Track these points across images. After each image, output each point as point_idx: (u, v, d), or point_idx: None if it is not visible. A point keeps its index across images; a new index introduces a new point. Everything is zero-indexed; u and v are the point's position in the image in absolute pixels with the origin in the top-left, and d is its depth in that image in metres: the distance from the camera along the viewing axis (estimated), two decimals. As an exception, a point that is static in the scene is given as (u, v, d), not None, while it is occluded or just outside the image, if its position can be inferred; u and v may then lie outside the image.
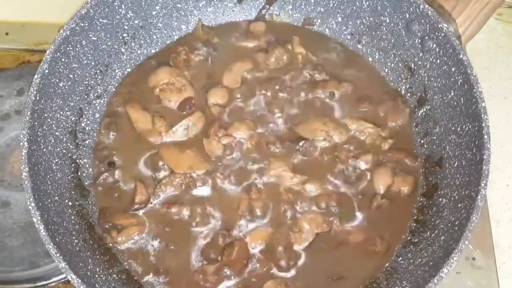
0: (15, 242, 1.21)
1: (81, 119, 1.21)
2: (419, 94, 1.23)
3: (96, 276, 1.06)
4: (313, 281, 1.11)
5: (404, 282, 1.07)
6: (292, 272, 1.11)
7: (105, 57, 1.24)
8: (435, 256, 1.04)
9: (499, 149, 1.38)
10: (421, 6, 1.13)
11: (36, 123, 1.07)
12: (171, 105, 1.24)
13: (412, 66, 1.23)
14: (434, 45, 1.15)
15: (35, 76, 1.07)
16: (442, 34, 1.12)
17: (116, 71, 1.27)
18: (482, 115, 1.04)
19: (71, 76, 1.17)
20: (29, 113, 1.05)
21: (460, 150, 1.11)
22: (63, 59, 1.13)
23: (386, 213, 1.16)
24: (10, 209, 1.24)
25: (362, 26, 1.29)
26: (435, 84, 1.18)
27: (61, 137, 1.16)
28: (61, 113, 1.16)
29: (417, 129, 1.23)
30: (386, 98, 1.26)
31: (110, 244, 1.13)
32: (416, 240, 1.13)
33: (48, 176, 1.09)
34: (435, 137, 1.19)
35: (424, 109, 1.22)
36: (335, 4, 1.30)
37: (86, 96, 1.22)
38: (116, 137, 1.23)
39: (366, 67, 1.31)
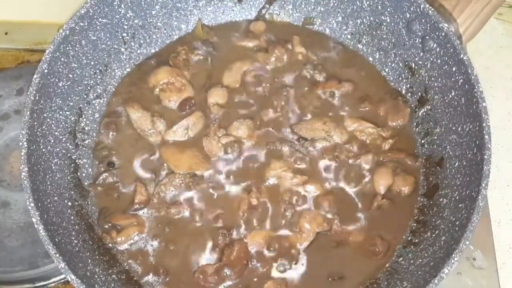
0: (14, 242, 1.20)
1: (80, 119, 1.21)
2: (419, 94, 1.23)
3: (96, 276, 1.06)
4: (313, 281, 1.11)
5: (404, 282, 1.07)
6: (292, 272, 1.11)
7: (104, 57, 1.24)
8: (435, 257, 1.04)
9: (500, 149, 1.38)
10: (422, 6, 1.13)
11: (35, 123, 1.07)
12: (171, 105, 1.24)
13: (413, 65, 1.23)
14: (435, 45, 1.15)
15: (35, 76, 1.07)
16: (443, 34, 1.12)
17: (116, 70, 1.27)
18: (483, 115, 1.04)
19: (71, 75, 1.17)
20: (28, 113, 1.05)
21: (460, 150, 1.11)
22: (62, 59, 1.13)
23: (386, 213, 1.15)
24: (9, 209, 1.24)
25: (362, 26, 1.29)
26: (435, 84, 1.18)
27: (61, 137, 1.16)
28: (61, 113, 1.16)
29: (417, 129, 1.23)
30: (387, 98, 1.26)
31: (110, 245, 1.13)
32: (416, 240, 1.13)
33: (47, 176, 1.09)
34: (435, 137, 1.19)
35: (425, 109, 1.22)
36: (336, 4, 1.30)
37: (85, 96, 1.22)
38: (116, 137, 1.22)
39: (367, 66, 1.31)
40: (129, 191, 1.17)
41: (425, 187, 1.18)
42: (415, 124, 1.24)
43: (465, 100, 1.10)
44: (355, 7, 1.28)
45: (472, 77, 1.06)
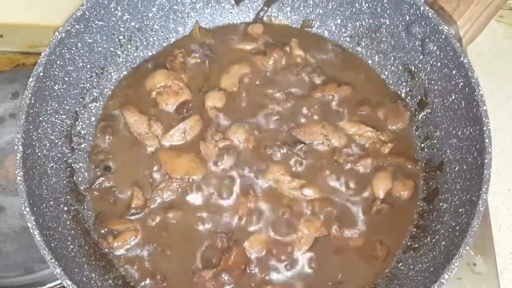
0: (10, 247, 1.20)
1: (76, 122, 1.20)
2: (419, 97, 1.22)
3: (92, 282, 1.05)
4: (312, 286, 1.10)
5: (404, 288, 1.06)
6: (291, 277, 1.10)
7: (101, 60, 1.23)
8: (435, 262, 1.04)
9: (501, 153, 1.38)
10: (422, 8, 1.12)
11: (31, 127, 1.06)
12: (168, 108, 1.23)
13: (413, 68, 1.22)
14: (435, 48, 1.14)
15: (30, 79, 1.06)
16: (443, 37, 1.11)
17: (112, 74, 1.27)
18: (483, 119, 1.04)
19: (66, 79, 1.16)
20: (23, 116, 1.04)
21: (461, 154, 1.10)
22: (58, 62, 1.12)
23: (385, 218, 1.15)
24: (5, 214, 1.23)
25: (361, 28, 1.28)
26: (435, 87, 1.17)
27: (56, 141, 1.15)
28: (56, 116, 1.15)
29: (417, 132, 1.23)
30: (386, 101, 1.25)
31: (106, 250, 1.13)
32: (416, 245, 1.12)
33: (43, 181, 1.08)
34: (435, 141, 1.18)
35: (425, 113, 1.21)
36: (334, 6, 1.29)
37: (81, 99, 1.21)
38: (112, 141, 1.22)
39: (366, 69, 1.30)
40: (125, 195, 1.17)
41: (425, 191, 1.17)
42: (415, 127, 1.23)
43: (466, 104, 1.09)
44: (354, 10, 1.27)
45: (473, 80, 1.06)
